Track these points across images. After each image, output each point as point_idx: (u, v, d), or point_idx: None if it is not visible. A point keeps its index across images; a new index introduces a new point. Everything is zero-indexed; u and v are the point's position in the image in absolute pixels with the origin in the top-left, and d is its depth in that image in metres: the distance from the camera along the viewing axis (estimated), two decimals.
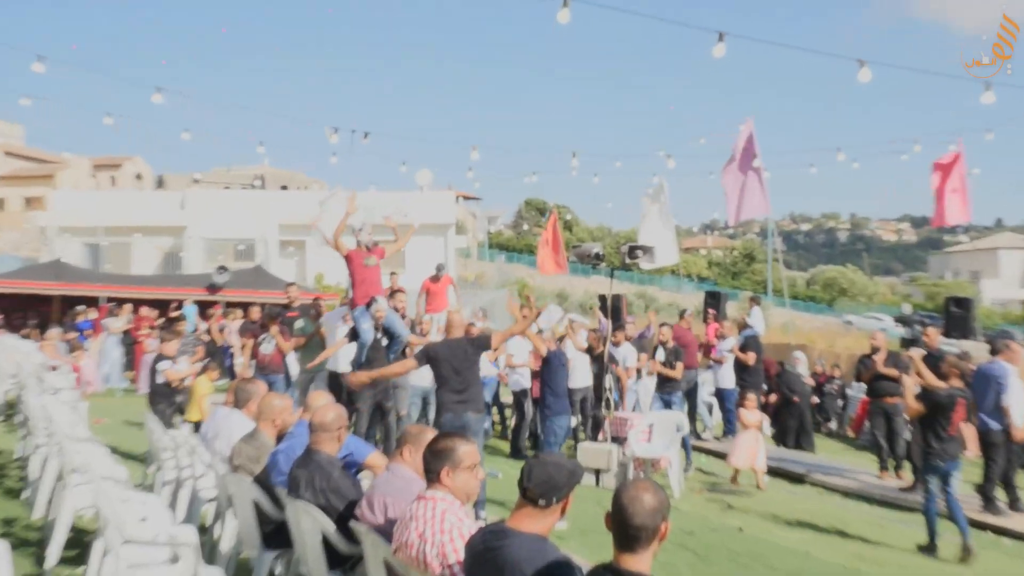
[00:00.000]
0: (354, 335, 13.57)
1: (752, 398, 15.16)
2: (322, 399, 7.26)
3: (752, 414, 14.86)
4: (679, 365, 16.91)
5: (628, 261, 14.72)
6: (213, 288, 31.26)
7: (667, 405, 16.70)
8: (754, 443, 14.51)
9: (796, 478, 15.61)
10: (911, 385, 11.35)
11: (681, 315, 18.98)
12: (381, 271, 13.74)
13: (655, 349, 16.88)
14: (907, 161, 26.74)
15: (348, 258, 13.58)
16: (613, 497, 4.06)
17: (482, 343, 10.63)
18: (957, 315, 19.96)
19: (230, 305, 29.88)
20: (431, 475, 5.08)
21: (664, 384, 16.08)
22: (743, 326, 19.23)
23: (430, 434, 5.79)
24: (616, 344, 16.86)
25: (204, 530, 8.88)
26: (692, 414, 18.38)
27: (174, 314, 27.29)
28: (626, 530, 3.96)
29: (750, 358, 18.31)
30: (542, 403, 12.52)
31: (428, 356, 10.50)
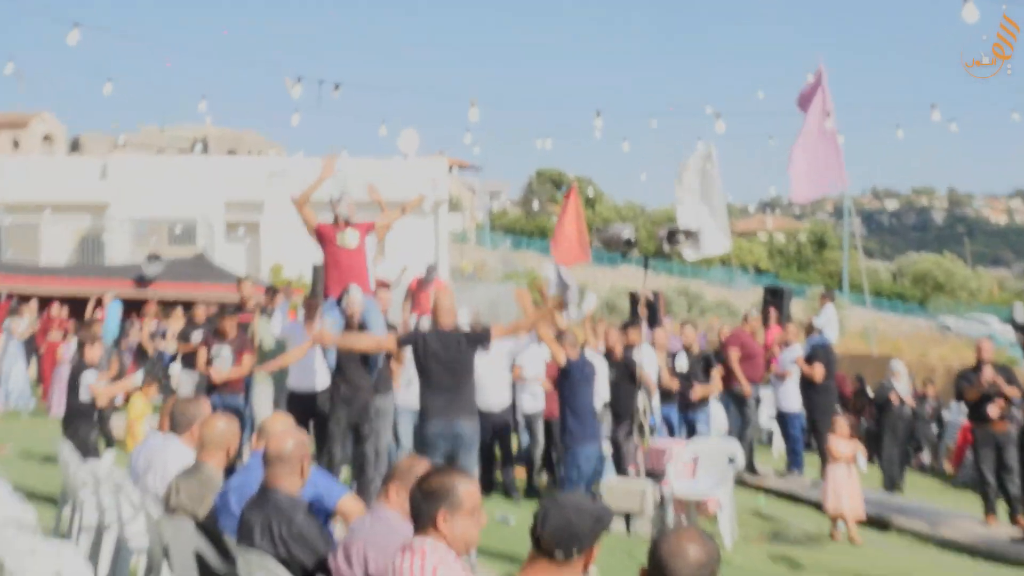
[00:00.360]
0: None
1: (843, 423, 14.83)
2: (279, 423, 7.26)
3: (845, 444, 14.59)
4: (715, 376, 17.18)
5: (667, 249, 14.69)
6: (143, 281, 31.44)
7: (691, 429, 16.81)
8: (850, 482, 14.38)
9: (880, 524, 15.64)
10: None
11: (744, 318, 19.04)
12: (366, 253, 13.42)
13: (673, 356, 16.90)
14: (1021, 122, 26.60)
15: (318, 234, 13.22)
16: (650, 549, 4.07)
17: (479, 338, 10.93)
18: None
19: (165, 304, 29.97)
20: (422, 520, 5.08)
21: (688, 401, 16.30)
22: (810, 331, 19.13)
23: (422, 470, 5.80)
24: (629, 346, 15.85)
25: None
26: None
27: (96, 315, 27.33)
28: None
29: (817, 372, 18.05)
30: (562, 427, 12.28)
31: (414, 343, 10.87)
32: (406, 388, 13.78)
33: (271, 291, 18.04)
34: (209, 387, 15.13)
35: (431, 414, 10.59)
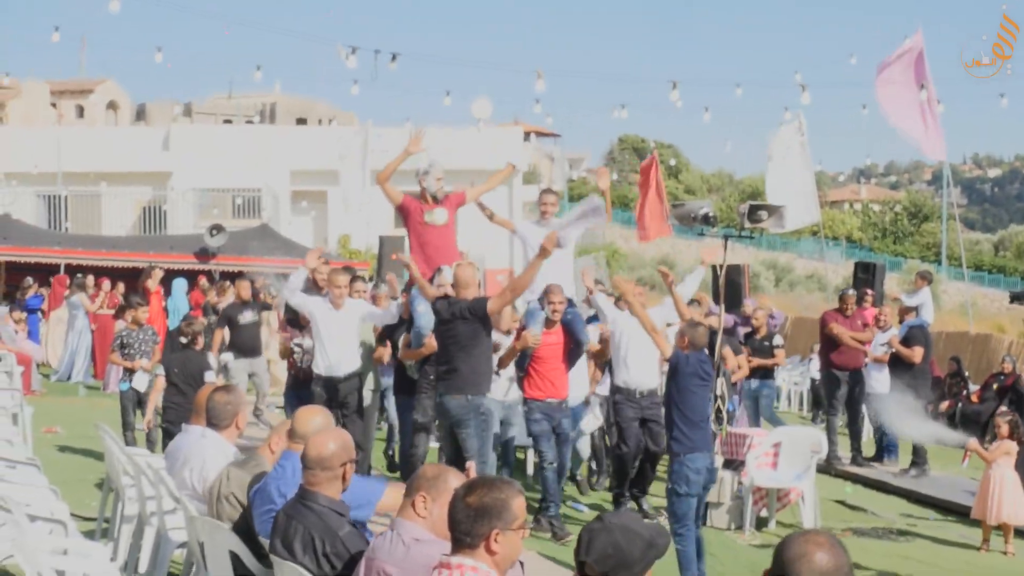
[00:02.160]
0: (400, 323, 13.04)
1: (1003, 423, 13.79)
2: (314, 419, 6.99)
3: (1008, 444, 13.54)
4: (779, 353, 17.42)
5: (748, 225, 14.37)
6: (205, 253, 31.47)
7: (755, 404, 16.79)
8: (1013, 485, 13.28)
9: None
10: None
11: (841, 297, 18.53)
12: (455, 231, 13.04)
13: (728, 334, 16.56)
14: None
15: (403, 210, 12.93)
16: (775, 552, 3.89)
17: (476, 307, 10.90)
18: None
19: (228, 276, 30.02)
20: (468, 539, 4.78)
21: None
22: (905, 313, 18.73)
23: (454, 478, 5.54)
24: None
25: None
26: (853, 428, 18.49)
27: (157, 290, 27.37)
28: None
29: (917, 354, 17.74)
30: (669, 433, 11.07)
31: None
32: None
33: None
34: (295, 383, 14.24)
35: (420, 389, 11.46)
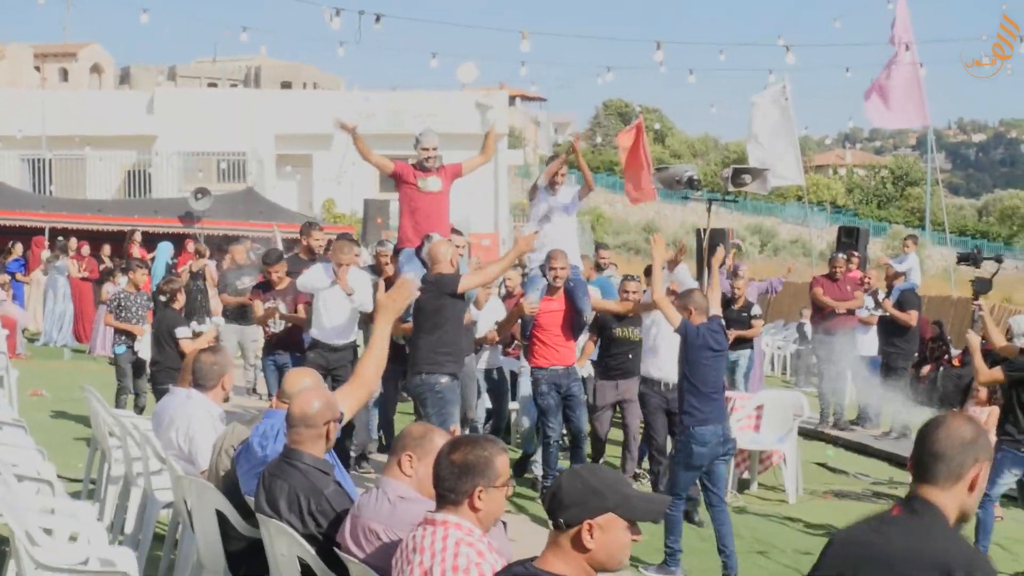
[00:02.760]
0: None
1: (981, 389, 13.92)
2: (303, 379, 7.04)
3: (982, 412, 13.74)
4: (756, 324, 17.36)
5: (732, 189, 14.45)
6: (190, 217, 31.49)
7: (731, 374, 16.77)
8: None
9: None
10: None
11: (830, 260, 18.68)
12: (448, 202, 12.72)
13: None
14: None
15: (396, 177, 12.56)
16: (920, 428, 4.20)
17: (443, 283, 10.87)
18: None
19: (212, 240, 30.02)
20: (452, 495, 4.86)
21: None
22: (893, 277, 18.84)
23: (440, 438, 5.60)
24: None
25: (161, 541, 8.88)
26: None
27: (141, 254, 27.35)
28: (922, 456, 4.13)
29: (912, 317, 17.92)
30: (680, 404, 10.67)
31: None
32: None
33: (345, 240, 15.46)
34: (266, 347, 14.47)
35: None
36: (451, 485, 4.88)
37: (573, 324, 12.27)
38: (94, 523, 6.96)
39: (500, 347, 14.43)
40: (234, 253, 18.40)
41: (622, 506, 4.24)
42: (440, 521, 4.84)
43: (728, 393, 15.12)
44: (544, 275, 12.20)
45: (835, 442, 17.60)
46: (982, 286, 13.32)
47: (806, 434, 16.95)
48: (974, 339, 11.45)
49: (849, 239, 23.30)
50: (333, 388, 11.68)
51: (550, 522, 4.24)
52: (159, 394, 12.36)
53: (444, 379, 10.84)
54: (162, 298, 14.05)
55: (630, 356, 12.94)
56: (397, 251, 12.93)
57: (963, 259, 19.81)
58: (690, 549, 10.65)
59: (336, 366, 12.53)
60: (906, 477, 14.00)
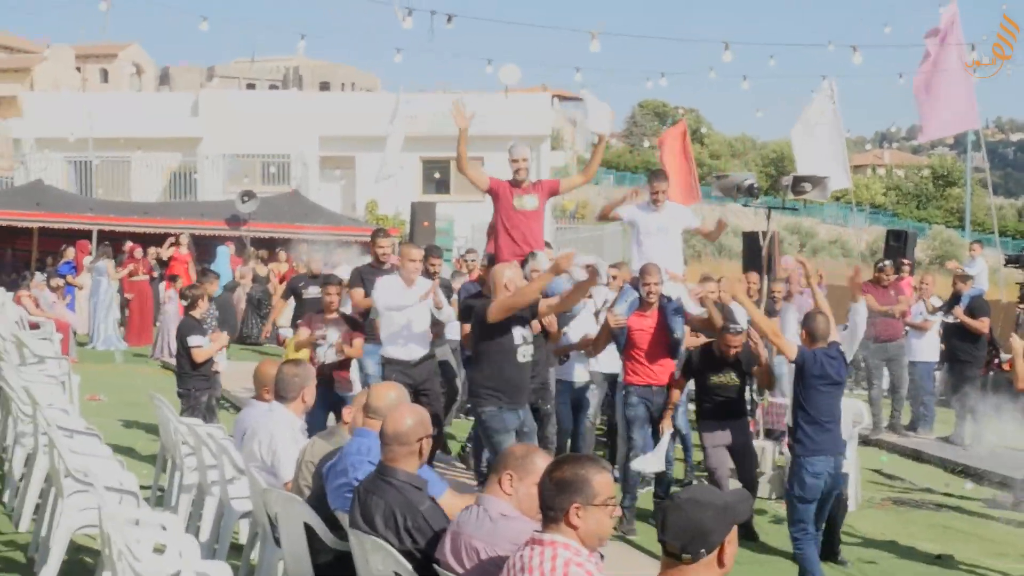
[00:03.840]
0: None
1: None
2: (389, 394, 7.12)
3: None
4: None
5: (792, 197, 14.45)
6: (236, 220, 31.61)
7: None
8: None
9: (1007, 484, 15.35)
10: None
11: (878, 268, 18.20)
12: (544, 217, 12.37)
13: None
14: None
15: (492, 194, 12.18)
16: None
17: (476, 312, 10.33)
18: None
19: (260, 243, 30.22)
20: (552, 513, 4.95)
21: None
22: (961, 281, 18.64)
23: (541, 459, 5.67)
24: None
25: (238, 550, 8.97)
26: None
27: (186, 257, 27.48)
28: None
29: (984, 324, 17.76)
30: (793, 434, 10.43)
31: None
32: None
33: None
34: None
35: None
36: (550, 502, 4.97)
37: (669, 343, 11.88)
38: (183, 535, 7.03)
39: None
40: (310, 262, 18.22)
41: (735, 516, 4.43)
42: (548, 541, 4.90)
43: (786, 400, 15.19)
44: (637, 289, 11.93)
45: (889, 448, 17.55)
46: None
47: (870, 442, 17.00)
48: (1018, 343, 11.22)
49: (897, 242, 23.22)
50: (424, 404, 11.07)
51: (685, 556, 4.36)
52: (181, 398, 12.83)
53: (487, 409, 10.15)
54: (183, 301, 14.11)
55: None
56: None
57: (1011, 261, 19.66)
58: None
59: (422, 381, 12.00)
60: (961, 484, 14.08)
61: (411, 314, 12.04)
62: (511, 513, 5.60)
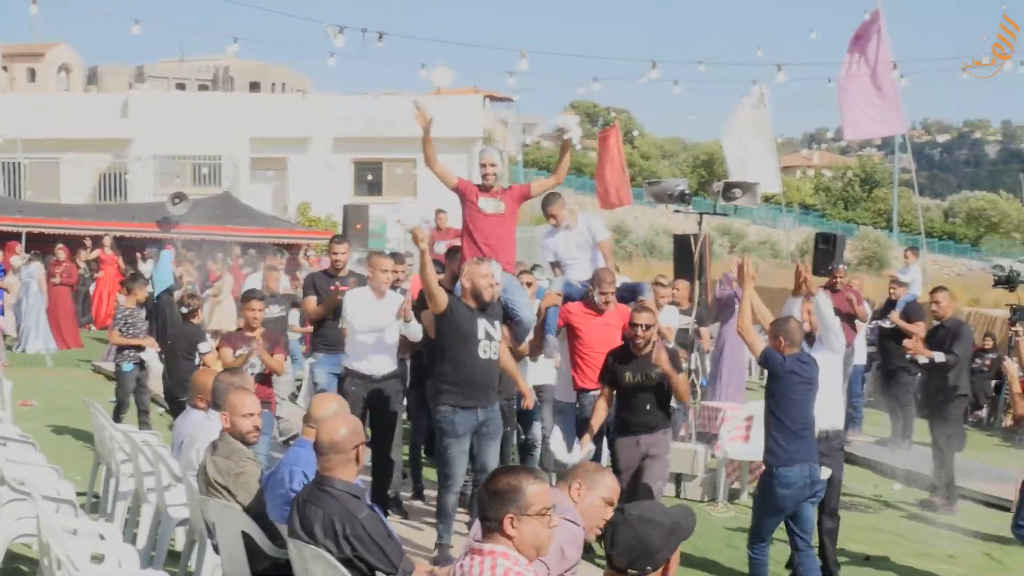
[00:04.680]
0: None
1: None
2: (330, 405, 7.20)
3: None
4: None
5: (723, 203, 14.60)
6: (167, 222, 31.36)
7: None
8: None
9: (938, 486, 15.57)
10: None
11: (830, 272, 17.66)
12: (515, 223, 11.76)
13: None
14: None
15: (458, 193, 11.60)
16: None
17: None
18: None
19: (192, 246, 30.02)
20: (489, 523, 5.02)
21: None
22: (898, 287, 18.82)
23: (611, 479, 6.09)
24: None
25: (175, 557, 8.98)
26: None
27: (112, 258, 27.34)
28: None
29: (920, 329, 17.75)
30: (766, 442, 9.85)
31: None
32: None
33: (396, 257, 14.03)
34: None
35: None
36: (487, 512, 5.04)
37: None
38: (122, 544, 7.05)
39: None
40: (268, 280, 15.97)
41: (682, 535, 4.54)
42: (488, 551, 4.96)
43: (719, 404, 15.37)
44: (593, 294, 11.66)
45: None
46: (1022, 314, 13.15)
47: None
48: (1013, 368, 10.90)
49: (827, 245, 23.39)
50: (374, 423, 11.25)
51: (632, 572, 4.47)
52: (178, 407, 12.51)
53: (442, 408, 9.89)
54: (183, 310, 14.06)
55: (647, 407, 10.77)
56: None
57: (1000, 282, 19.74)
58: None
59: (380, 399, 11.35)
60: (890, 485, 14.24)
61: (378, 328, 11.42)
62: (571, 514, 5.93)
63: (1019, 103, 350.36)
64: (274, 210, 40.76)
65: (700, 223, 14.92)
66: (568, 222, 12.62)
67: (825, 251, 22.19)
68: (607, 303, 11.50)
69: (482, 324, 9.89)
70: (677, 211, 15.76)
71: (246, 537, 6.95)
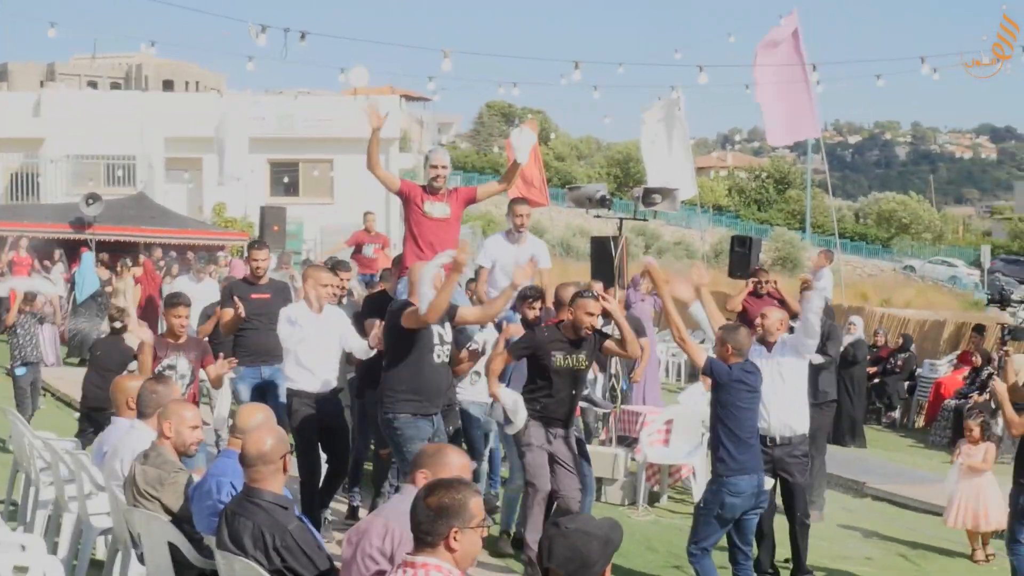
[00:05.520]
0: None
1: (973, 425, 12.73)
2: (256, 415, 7.19)
3: (978, 450, 12.65)
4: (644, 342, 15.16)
5: (643, 208, 14.70)
6: (81, 223, 31.00)
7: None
8: (984, 492, 12.51)
9: (853, 488, 15.78)
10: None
11: (753, 273, 17.29)
12: (459, 229, 11.68)
13: None
14: (1003, 71, 26.91)
15: (402, 197, 11.45)
16: None
17: (392, 313, 9.68)
18: None
19: (106, 247, 29.72)
20: (429, 538, 5.04)
21: None
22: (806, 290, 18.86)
23: (455, 455, 5.95)
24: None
25: (97, 566, 8.91)
26: None
27: (26, 261, 26.99)
28: None
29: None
30: (714, 452, 9.78)
31: None
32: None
33: (339, 266, 13.60)
34: None
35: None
36: (428, 528, 5.05)
37: None
38: (45, 555, 7.00)
39: None
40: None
41: (615, 547, 4.60)
42: (420, 564, 5.00)
43: (639, 408, 15.45)
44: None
45: None
46: (1018, 334, 13.18)
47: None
48: (1001, 387, 10.66)
49: (743, 248, 23.54)
50: (326, 440, 10.77)
51: None
52: (91, 419, 12.42)
53: (402, 416, 9.55)
54: (115, 324, 13.85)
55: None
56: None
57: (993, 301, 19.86)
58: None
59: (330, 415, 10.78)
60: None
61: (321, 345, 10.82)
62: None
63: (929, 104, 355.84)
64: (189, 211, 40.39)
65: (620, 227, 15.00)
66: (525, 232, 12.49)
67: (741, 254, 22.35)
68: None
69: (435, 328, 9.69)
70: (598, 216, 15.82)
71: (172, 548, 6.92)
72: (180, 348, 11.35)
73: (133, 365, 12.86)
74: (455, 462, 5.81)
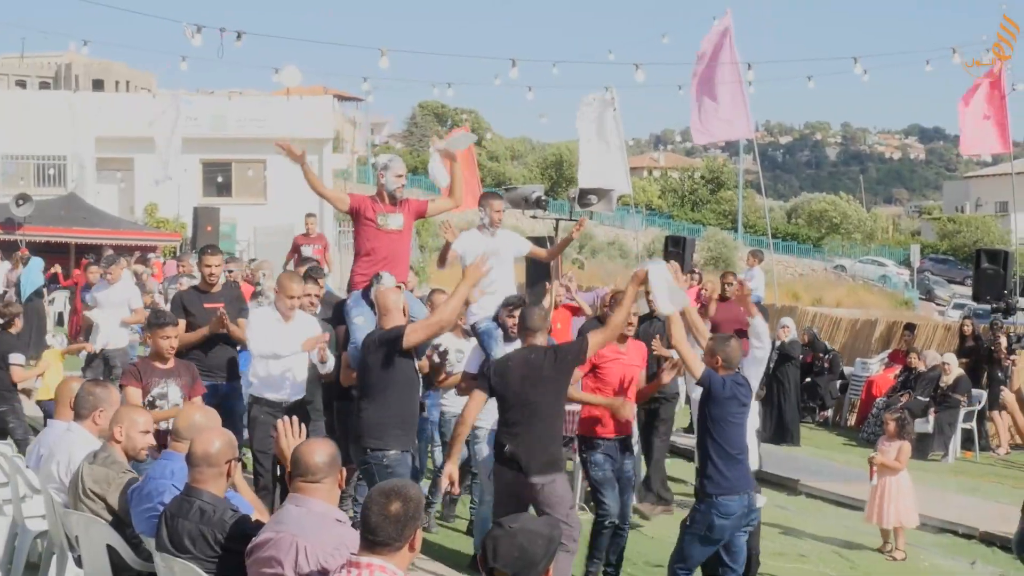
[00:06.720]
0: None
1: (891, 421, 12.94)
2: (195, 416, 7.17)
3: (892, 447, 12.79)
4: None
5: (578, 209, 14.78)
6: (11, 224, 30.77)
7: None
8: (901, 489, 12.69)
9: (786, 486, 15.88)
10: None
11: (722, 277, 17.31)
12: (411, 242, 11.55)
13: None
14: (932, 72, 27.26)
15: (353, 213, 11.12)
16: None
17: (387, 339, 9.10)
18: (990, 273, 20.39)
19: (37, 248, 29.44)
20: (396, 543, 5.02)
21: None
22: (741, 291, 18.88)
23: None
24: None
25: (31, 570, 8.84)
26: None
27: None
28: None
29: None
30: (702, 469, 9.28)
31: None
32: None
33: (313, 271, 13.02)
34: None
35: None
36: (396, 535, 5.01)
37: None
38: None
39: None
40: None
41: (556, 546, 4.66)
42: (365, 564, 5.00)
43: (574, 406, 15.44)
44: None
45: (681, 453, 17.71)
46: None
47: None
48: (1010, 397, 10.32)
49: (676, 248, 23.66)
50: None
51: None
52: None
53: (392, 453, 9.03)
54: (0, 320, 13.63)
55: None
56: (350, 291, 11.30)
57: (996, 311, 20.01)
58: None
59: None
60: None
61: (289, 360, 10.53)
62: (327, 511, 5.80)
63: (859, 106, 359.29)
64: (121, 211, 40.10)
65: (556, 228, 15.09)
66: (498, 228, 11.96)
67: (675, 254, 22.57)
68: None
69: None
70: (534, 217, 15.87)
71: (111, 550, 6.90)
72: (170, 374, 10.37)
73: (15, 358, 12.81)
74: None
